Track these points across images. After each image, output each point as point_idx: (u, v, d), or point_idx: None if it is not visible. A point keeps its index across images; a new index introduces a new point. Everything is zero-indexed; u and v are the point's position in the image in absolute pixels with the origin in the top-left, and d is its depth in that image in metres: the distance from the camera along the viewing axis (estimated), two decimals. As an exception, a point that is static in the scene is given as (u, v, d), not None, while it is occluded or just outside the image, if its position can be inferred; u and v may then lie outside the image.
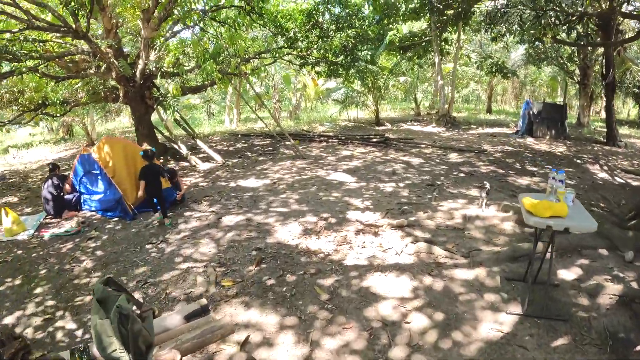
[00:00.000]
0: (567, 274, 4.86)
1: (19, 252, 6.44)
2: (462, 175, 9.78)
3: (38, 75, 10.67)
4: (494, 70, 19.14)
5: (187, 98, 25.71)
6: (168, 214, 7.35)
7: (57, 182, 8.00)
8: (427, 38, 19.95)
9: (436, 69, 20.35)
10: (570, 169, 10.57)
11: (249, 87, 17.33)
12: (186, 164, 12.31)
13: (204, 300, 3.32)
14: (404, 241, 5.80)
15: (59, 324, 4.42)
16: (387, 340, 3.80)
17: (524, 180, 9.40)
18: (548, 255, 4.17)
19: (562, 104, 19.94)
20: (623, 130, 19.40)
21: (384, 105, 29.41)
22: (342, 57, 14.48)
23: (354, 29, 14.46)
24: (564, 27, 13.31)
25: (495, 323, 3.99)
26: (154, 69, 11.57)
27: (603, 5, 13.69)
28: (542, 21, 12.04)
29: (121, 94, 11.93)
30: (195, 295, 4.65)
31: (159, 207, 7.42)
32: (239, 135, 18.20)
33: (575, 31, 14.07)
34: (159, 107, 12.55)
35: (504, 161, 11.46)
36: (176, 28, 12.82)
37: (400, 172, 10.08)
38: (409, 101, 32.11)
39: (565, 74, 23.89)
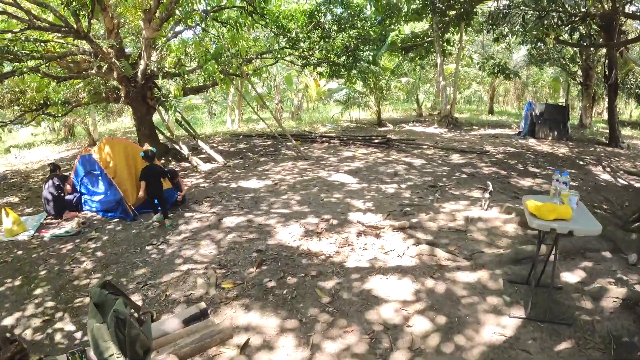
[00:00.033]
0: (571, 277, 4.82)
1: (19, 252, 6.41)
2: (464, 176, 9.74)
3: (39, 75, 10.66)
4: (496, 71, 19.09)
5: (189, 98, 25.75)
6: (169, 215, 7.32)
7: (57, 183, 7.98)
8: (429, 39, 19.91)
9: (438, 69, 20.29)
10: (573, 171, 10.52)
11: (250, 87, 17.29)
12: (187, 164, 12.29)
13: (202, 304, 3.28)
14: (405, 243, 5.76)
15: (58, 325, 4.40)
16: (388, 344, 3.76)
17: (527, 182, 9.35)
18: (551, 257, 4.14)
19: (564, 105, 19.89)
20: (625, 132, 19.33)
21: (385, 106, 29.35)
22: (344, 57, 14.46)
23: (356, 30, 14.43)
24: (567, 28, 13.27)
25: (498, 326, 3.95)
26: (155, 69, 11.56)
27: (605, 6, 13.63)
28: (545, 22, 12.01)
29: (122, 95, 11.92)
30: (195, 298, 4.62)
31: (159, 208, 7.40)
32: (241, 136, 18.18)
33: (577, 32, 14.03)
34: (160, 107, 12.54)
35: (506, 162, 11.41)
36: (178, 28, 12.83)
37: (402, 173, 10.03)
38: (411, 102, 32.10)
39: (567, 75, 23.81)
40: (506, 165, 10.99)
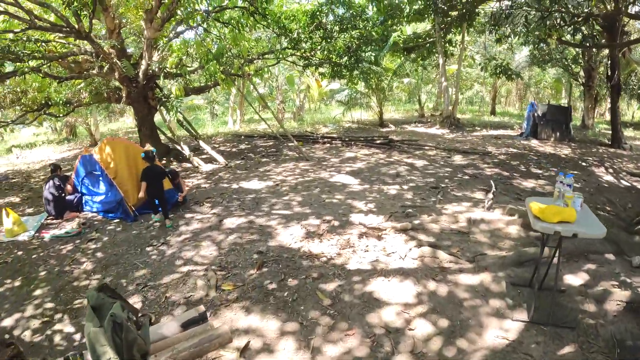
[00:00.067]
0: (574, 279, 4.78)
1: (19, 253, 6.40)
2: (467, 177, 9.69)
3: (41, 75, 10.65)
4: (498, 71, 19.04)
5: (190, 99, 25.75)
6: (169, 216, 7.29)
7: (58, 183, 7.97)
8: (431, 39, 19.86)
9: (440, 70, 20.24)
10: (575, 172, 10.45)
11: (252, 88, 17.28)
12: (189, 165, 12.26)
13: (202, 308, 3.25)
14: (408, 245, 5.72)
15: (57, 327, 4.38)
16: (390, 347, 3.73)
17: (529, 183, 9.31)
18: (555, 260, 4.10)
19: (566, 106, 19.82)
20: (628, 133, 19.27)
21: (387, 106, 29.31)
22: (345, 58, 14.41)
23: (358, 30, 14.38)
24: (569, 29, 13.23)
25: (501, 330, 3.91)
26: (156, 69, 11.54)
27: (608, 7, 13.59)
28: (548, 22, 11.97)
29: (124, 95, 11.90)
30: (195, 300, 4.59)
31: (160, 209, 7.38)
32: (242, 137, 18.16)
33: (580, 33, 13.98)
34: (161, 107, 12.51)
35: (509, 163, 11.36)
36: (179, 29, 12.82)
37: (404, 175, 9.99)
38: (413, 103, 32.01)
39: (569, 75, 23.76)
40: (508, 167, 10.94)
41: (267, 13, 12.07)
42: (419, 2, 17.60)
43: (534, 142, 15.43)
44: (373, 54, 15.58)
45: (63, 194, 8.01)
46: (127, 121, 30.83)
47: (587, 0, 12.04)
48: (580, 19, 13.15)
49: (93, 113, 20.21)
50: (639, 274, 4.88)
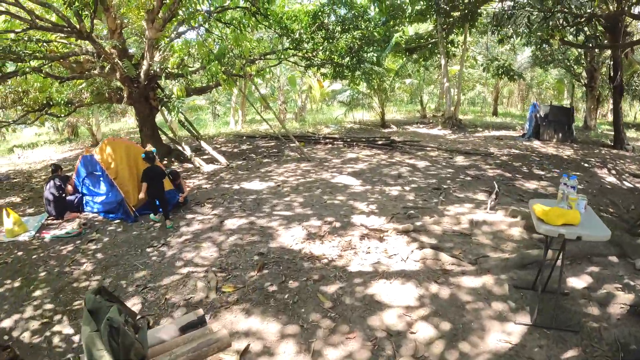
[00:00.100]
0: (577, 282, 4.73)
1: (20, 253, 6.38)
2: (469, 178, 9.65)
3: (42, 75, 10.64)
4: (500, 72, 18.97)
5: (192, 99, 25.75)
6: (170, 217, 7.27)
7: (58, 183, 7.95)
8: (433, 40, 19.83)
9: (442, 71, 20.22)
10: (578, 173, 10.41)
11: (254, 88, 17.26)
12: (190, 165, 12.24)
13: (200, 311, 3.21)
14: (409, 247, 5.68)
15: (56, 328, 4.36)
16: (391, 351, 3.68)
17: (532, 184, 9.26)
18: (558, 263, 4.06)
19: (569, 106, 19.77)
20: (630, 134, 19.21)
21: (389, 107, 29.28)
22: (347, 58, 14.40)
23: (360, 31, 14.37)
24: (572, 29, 13.18)
25: (504, 333, 3.87)
26: (158, 69, 11.52)
27: (610, 7, 13.54)
28: (550, 23, 11.92)
29: (125, 95, 11.88)
30: (195, 301, 4.56)
31: (160, 210, 7.36)
32: (244, 137, 18.15)
33: (582, 33, 13.93)
34: (163, 108, 12.50)
35: (511, 164, 11.32)
36: (181, 29, 12.81)
37: (406, 176, 9.96)
38: (415, 103, 31.99)
39: (572, 76, 23.73)
40: (511, 168, 10.90)
41: (269, 13, 12.05)
42: (421, 2, 17.59)
43: (536, 143, 15.40)
44: (375, 55, 15.56)
45: (64, 195, 7.99)
46: (128, 121, 30.84)
47: (590, 0, 11.99)
48: (583, 20, 13.10)
49: (95, 113, 20.22)
50: (643, 277, 4.83)
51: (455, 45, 20.77)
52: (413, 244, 5.77)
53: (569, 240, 3.65)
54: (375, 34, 15.52)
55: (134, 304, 4.63)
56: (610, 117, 27.40)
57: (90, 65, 11.45)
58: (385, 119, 21.70)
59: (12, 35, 9.38)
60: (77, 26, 9.04)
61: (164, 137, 13.92)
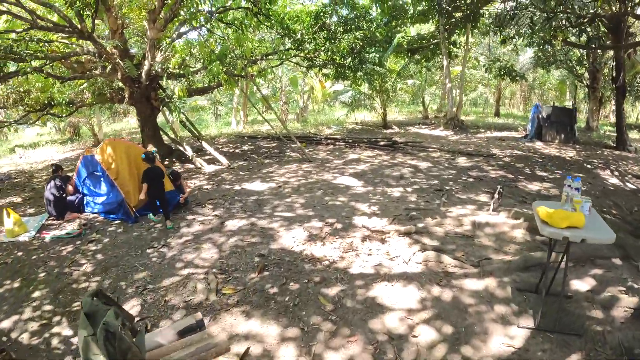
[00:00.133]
0: (581, 285, 4.68)
1: (20, 254, 6.35)
2: (471, 180, 9.60)
3: (43, 75, 10.63)
4: (502, 73, 18.92)
5: (194, 99, 25.73)
6: (170, 217, 7.24)
7: (59, 184, 7.93)
8: (436, 41, 19.79)
9: (444, 71, 20.16)
10: (581, 174, 10.35)
11: (255, 89, 17.23)
12: (191, 166, 12.22)
13: (199, 315, 3.18)
14: (411, 249, 5.64)
15: (55, 329, 4.32)
16: (393, 354, 3.64)
17: (534, 186, 9.21)
18: (562, 265, 4.01)
19: (571, 107, 19.73)
20: (633, 135, 19.14)
21: (391, 108, 29.22)
22: (349, 59, 14.37)
23: (362, 31, 14.34)
24: (574, 30, 13.14)
25: (506, 337, 3.82)
26: (159, 70, 11.50)
27: (613, 8, 13.49)
28: (553, 23, 11.88)
29: (126, 95, 11.87)
30: (194, 304, 4.52)
31: (161, 210, 7.33)
32: (246, 138, 18.13)
33: (585, 34, 13.89)
34: (164, 108, 12.47)
35: (513, 166, 11.27)
36: (183, 29, 12.78)
37: (408, 177, 9.91)
38: (417, 104, 31.94)
39: (574, 77, 23.67)
40: (513, 169, 10.85)
41: (270, 14, 12.05)
42: (423, 3, 17.55)
43: (538, 144, 15.34)
44: (377, 55, 15.54)
45: (64, 195, 7.97)
46: (130, 121, 30.84)
47: (593, 0, 11.94)
48: (585, 20, 13.06)
49: (96, 113, 20.20)
50: (646, 280, 4.78)
51: (458, 46, 20.73)
52: (415, 245, 5.73)
53: (573, 243, 3.61)
54: (377, 34, 15.51)
55: (134, 305, 4.60)
56: (612, 118, 27.30)
57: (91, 66, 11.45)
58: (387, 119, 21.68)
59: (13, 35, 9.36)
60: (79, 26, 9.02)
61: (165, 138, 13.91)
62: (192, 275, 5.21)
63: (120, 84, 11.94)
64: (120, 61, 10.51)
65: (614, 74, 15.23)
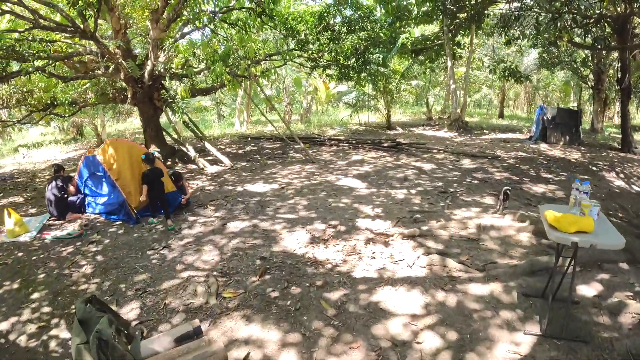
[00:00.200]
0: (587, 290, 4.59)
1: (20, 254, 6.32)
2: (476, 182, 9.52)
3: (45, 75, 10.61)
4: (506, 74, 18.87)
5: (197, 100, 25.71)
6: (171, 217, 7.21)
7: (60, 184, 7.90)
8: (440, 41, 19.73)
9: (448, 72, 20.08)
10: (586, 177, 10.26)
11: (259, 89, 17.20)
12: (194, 166, 12.17)
13: (196, 322, 3.11)
14: (415, 252, 5.55)
15: (53, 332, 4.28)
16: (396, 361, 3.57)
17: (539, 188, 9.12)
18: (569, 270, 3.93)
19: (576, 109, 19.63)
20: (638, 137, 19.01)
21: (395, 109, 29.18)
22: (353, 60, 14.31)
23: (366, 32, 14.27)
24: (579, 31, 13.05)
25: (512, 344, 3.73)
26: (162, 70, 11.46)
27: (618, 9, 13.40)
28: (559, 24, 11.79)
29: (129, 95, 11.84)
30: (194, 307, 4.45)
31: (161, 211, 7.29)
32: (249, 138, 18.08)
33: (590, 35, 13.80)
34: (167, 108, 12.44)
35: (518, 167, 11.17)
36: (186, 29, 12.75)
37: (412, 178, 9.83)
38: (421, 105, 31.90)
39: (578, 78, 23.56)
40: (518, 171, 10.76)
41: (274, 14, 11.99)
42: (428, 3, 17.48)
43: (543, 146, 15.24)
44: (381, 56, 15.45)
45: (65, 195, 7.94)
46: (134, 122, 30.88)
47: (599, 1, 11.85)
48: (592, 21, 12.97)
49: (100, 113, 20.20)
50: (655, 285, 4.69)
51: (462, 46, 20.67)
52: (419, 249, 5.65)
53: (581, 248, 3.53)
54: (381, 35, 15.43)
55: (133, 308, 4.54)
56: (617, 120, 27.20)
57: (94, 66, 11.42)
58: (391, 120, 21.63)
59: (16, 35, 9.34)
60: (81, 26, 8.99)
61: (168, 138, 13.87)
62: (192, 278, 5.15)
63: (123, 84, 11.90)
64: (123, 61, 10.47)
65: (619, 76, 15.14)
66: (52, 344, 4.08)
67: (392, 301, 4.41)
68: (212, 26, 12.01)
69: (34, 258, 6.12)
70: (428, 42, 20.57)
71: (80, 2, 8.30)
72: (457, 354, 3.62)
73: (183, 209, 7.95)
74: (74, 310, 4.57)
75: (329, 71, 15.69)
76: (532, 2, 12.04)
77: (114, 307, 4.56)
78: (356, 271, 5.13)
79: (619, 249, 3.48)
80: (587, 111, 29.39)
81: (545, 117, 16.35)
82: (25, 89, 11.95)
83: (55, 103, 11.99)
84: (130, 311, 4.49)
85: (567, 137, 15.87)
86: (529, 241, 5.85)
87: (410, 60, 21.40)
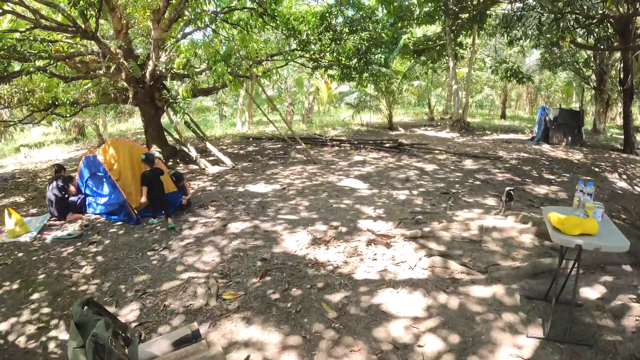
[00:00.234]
0: (591, 293, 4.55)
1: (20, 254, 6.30)
2: (478, 183, 9.48)
3: (46, 75, 10.60)
4: (508, 75, 18.82)
5: (199, 100, 25.73)
6: (172, 216, 7.21)
7: (61, 184, 7.89)
8: (442, 42, 19.68)
9: (450, 73, 20.05)
10: (589, 178, 10.21)
11: (260, 90, 17.17)
12: (195, 167, 12.15)
13: (195, 325, 3.08)
14: (417, 254, 5.51)
15: (52, 333, 4.25)
16: (398, 365, 3.53)
17: (542, 189, 9.08)
18: (572, 273, 3.89)
19: (578, 110, 19.58)
20: (640, 137, 18.97)
21: (397, 109, 29.15)
22: (355, 60, 14.27)
23: (368, 32, 14.24)
24: (582, 31, 13.01)
25: (515, 347, 3.69)
26: (164, 70, 11.44)
27: (621, 9, 13.34)
28: (561, 24, 11.75)
29: (131, 96, 11.83)
30: (194, 309, 4.42)
31: (162, 212, 7.28)
32: (250, 139, 18.06)
33: (593, 35, 13.76)
34: (168, 109, 12.42)
35: (520, 168, 11.13)
36: (187, 29, 12.73)
37: (414, 179, 9.79)
38: (423, 106, 31.86)
39: (581, 79, 23.50)
40: (520, 172, 10.71)
41: (276, 14, 11.96)
42: (430, 4, 17.43)
43: (545, 147, 15.19)
44: (383, 56, 15.41)
45: (66, 195, 7.92)
46: (136, 122, 30.90)
47: (602, 1, 11.80)
48: (594, 21, 12.93)
49: (101, 113, 20.21)
50: (658, 287, 4.65)
51: (464, 47, 20.63)
52: (421, 250, 5.60)
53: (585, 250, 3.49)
54: (383, 35, 15.39)
55: (132, 310, 4.51)
56: (619, 121, 27.13)
57: (95, 66, 11.41)
58: (392, 121, 21.59)
59: (17, 35, 9.33)
60: (82, 26, 8.97)
61: (169, 138, 13.85)
62: (192, 279, 5.11)
63: (125, 84, 11.89)
64: (124, 61, 10.46)
65: (622, 76, 15.10)
66: (51, 345, 4.06)
67: (394, 303, 4.37)
68: (213, 26, 11.99)
69: (34, 258, 6.10)
70: (430, 43, 20.52)
71: (81, 2, 8.28)
72: (460, 357, 3.58)
73: (184, 209, 7.92)
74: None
75: (330, 71, 15.66)
76: (534, 3, 11.99)
77: (113, 309, 4.55)
78: (357, 273, 5.09)
79: (623, 251, 3.44)
80: (590, 112, 29.27)
81: (547, 118, 16.30)
82: (26, 89, 11.94)
83: (57, 103, 11.98)
84: (129, 312, 4.46)
85: (570, 138, 15.82)
86: (531, 243, 5.81)
87: (412, 60, 21.35)
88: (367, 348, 3.71)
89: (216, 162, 12.32)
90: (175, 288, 4.92)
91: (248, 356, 3.64)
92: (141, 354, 2.63)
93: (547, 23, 11.74)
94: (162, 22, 10.01)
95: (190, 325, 3.06)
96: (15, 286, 5.29)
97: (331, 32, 14.05)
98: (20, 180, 12.17)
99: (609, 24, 14.29)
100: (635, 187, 9.85)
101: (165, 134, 13.40)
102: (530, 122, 23.97)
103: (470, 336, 3.84)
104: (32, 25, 8.62)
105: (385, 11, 16.97)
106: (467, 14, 17.22)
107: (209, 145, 13.20)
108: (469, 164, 11.69)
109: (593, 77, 21.52)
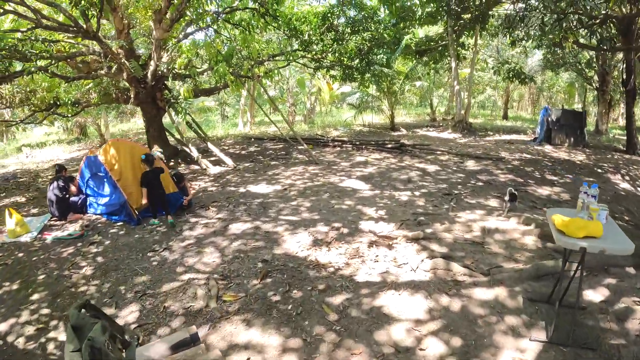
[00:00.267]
0: (594, 295, 4.50)
1: (20, 255, 6.29)
2: (480, 184, 9.43)
3: (48, 75, 10.59)
4: (511, 75, 18.76)
5: (201, 100, 25.73)
6: (171, 215, 7.20)
7: (62, 184, 7.88)
8: (444, 42, 19.65)
9: (452, 74, 20.00)
10: (591, 179, 10.15)
11: (263, 90, 17.16)
12: (196, 167, 12.12)
13: (193, 328, 3.04)
14: (419, 256, 5.46)
15: (51, 334, 4.24)
16: (399, 368, 3.49)
17: (544, 190, 9.03)
18: (576, 275, 3.85)
19: (581, 110, 19.52)
20: (643, 139, 18.89)
21: (399, 110, 29.10)
22: (357, 60, 14.23)
23: (370, 32, 14.20)
24: (585, 32, 12.96)
25: (517, 351, 3.65)
26: (165, 70, 11.42)
27: (623, 10, 13.29)
28: (564, 25, 11.70)
29: (132, 96, 11.81)
30: (194, 311, 4.39)
31: (162, 212, 7.26)
32: (252, 139, 18.03)
33: (595, 36, 13.70)
34: (170, 109, 12.41)
35: (523, 169, 11.07)
36: (189, 30, 12.72)
37: (416, 180, 9.75)
38: (425, 106, 31.82)
39: (583, 80, 23.44)
40: (523, 173, 10.66)
41: (277, 15, 11.94)
42: (432, 4, 17.40)
43: (547, 148, 15.13)
44: (385, 57, 15.37)
45: (67, 195, 7.91)
46: (138, 122, 30.92)
47: (605, 1, 11.75)
48: (597, 22, 12.88)
49: (103, 113, 20.22)
50: (662, 290, 4.60)
51: (466, 47, 20.58)
52: (423, 252, 5.56)
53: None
54: (385, 35, 15.36)
55: (132, 311, 4.48)
56: (621, 122, 27.07)
57: (97, 66, 11.41)
58: (394, 122, 21.57)
59: (18, 35, 9.33)
60: (84, 26, 8.96)
61: (171, 139, 13.84)
62: (192, 280, 5.08)
63: (126, 84, 11.87)
64: (125, 61, 10.45)
65: (624, 77, 15.06)
66: (50, 347, 4.04)
67: (396, 306, 4.33)
68: (215, 26, 11.97)
69: (34, 259, 6.09)
70: (432, 43, 20.49)
71: (83, 2, 8.26)
72: (462, 361, 3.55)
73: (185, 210, 7.90)
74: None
75: (332, 72, 15.62)
76: (537, 3, 11.95)
77: (113, 310, 4.53)
78: (359, 275, 5.05)
79: (628, 254, 3.40)
80: (592, 113, 29.23)
81: (549, 119, 16.25)
82: (28, 89, 11.95)
83: (58, 103, 11.98)
84: (129, 314, 4.44)
85: (572, 139, 15.76)
86: (534, 245, 5.76)
87: (414, 61, 21.33)
88: (368, 351, 3.67)
89: (218, 162, 12.30)
90: (175, 289, 4.89)
91: (248, 359, 3.60)
92: (139, 357, 2.60)
93: (549, 23, 11.68)
94: (164, 22, 10.00)
95: (189, 328, 3.03)
96: (15, 287, 5.28)
97: (333, 33, 14.03)
98: (21, 180, 12.17)
99: (611, 25, 14.24)
100: (638, 189, 9.80)
101: (167, 134, 13.38)
102: (532, 123, 23.92)
103: (473, 339, 3.80)
104: (34, 25, 8.62)
105: (387, 11, 16.97)
106: (470, 15, 17.19)
107: (210, 145, 13.18)
108: (471, 164, 11.64)
109: (595, 77, 21.46)
